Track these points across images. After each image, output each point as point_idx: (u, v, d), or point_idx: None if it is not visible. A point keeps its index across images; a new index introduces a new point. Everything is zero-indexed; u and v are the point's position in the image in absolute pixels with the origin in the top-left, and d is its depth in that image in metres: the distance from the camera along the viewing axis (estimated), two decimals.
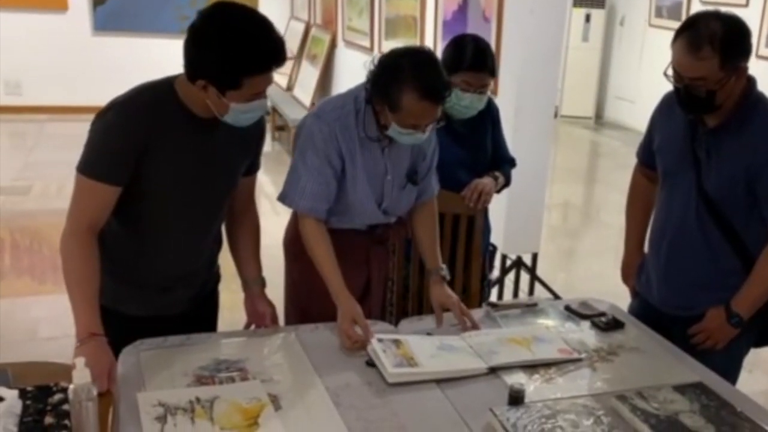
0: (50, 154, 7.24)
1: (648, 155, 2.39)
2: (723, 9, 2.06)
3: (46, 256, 4.84)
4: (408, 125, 2.03)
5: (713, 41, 1.97)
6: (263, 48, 1.80)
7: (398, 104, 2.00)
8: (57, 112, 8.37)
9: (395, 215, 2.34)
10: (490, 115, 2.79)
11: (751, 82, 2.10)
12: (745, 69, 2.06)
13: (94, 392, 1.52)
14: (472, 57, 2.56)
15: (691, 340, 2.22)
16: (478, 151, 2.78)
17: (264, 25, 1.82)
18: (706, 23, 1.99)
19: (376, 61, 2.06)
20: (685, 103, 2.10)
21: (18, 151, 7.45)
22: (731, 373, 2.24)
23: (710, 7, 2.30)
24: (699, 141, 2.15)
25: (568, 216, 6.64)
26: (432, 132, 2.25)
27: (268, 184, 5.77)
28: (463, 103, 2.58)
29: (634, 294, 2.51)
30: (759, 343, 2.33)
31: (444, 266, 2.33)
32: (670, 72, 2.09)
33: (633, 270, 2.50)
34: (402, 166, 2.25)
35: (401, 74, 1.98)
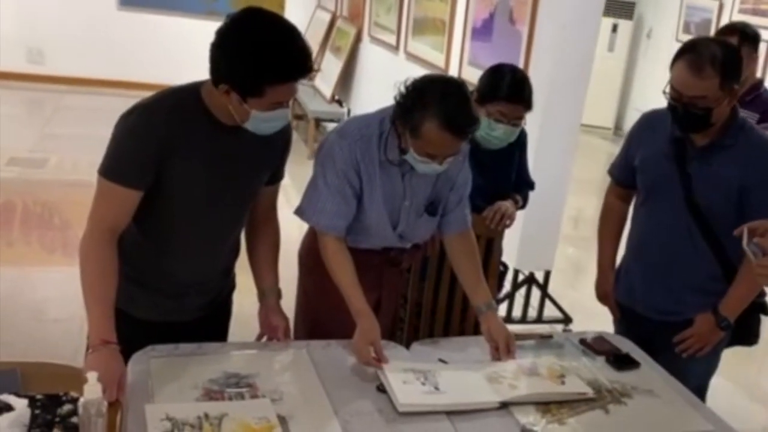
0: (67, 127, 7.23)
1: (624, 173, 2.51)
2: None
3: (57, 228, 4.81)
4: (424, 153, 2.00)
5: (714, 62, 2.12)
6: (288, 58, 1.77)
7: (418, 130, 1.96)
8: (77, 83, 8.35)
9: (411, 241, 2.30)
10: (518, 144, 2.74)
11: (734, 108, 2.26)
12: (737, 91, 2.22)
13: (104, 408, 1.50)
14: (509, 87, 2.52)
15: (678, 347, 2.36)
16: (500, 181, 2.74)
17: (291, 34, 1.80)
18: (707, 46, 2.16)
19: (407, 83, 2.02)
20: (682, 121, 2.22)
21: (35, 121, 7.44)
22: (712, 372, 2.49)
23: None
24: (689, 158, 2.28)
25: (580, 228, 6.58)
26: (464, 163, 2.21)
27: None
28: (495, 133, 2.54)
29: (616, 310, 2.60)
30: (730, 343, 2.49)
31: (493, 301, 2.25)
32: (668, 90, 2.21)
33: (609, 288, 2.60)
34: (422, 193, 2.20)
35: (427, 100, 1.94)
